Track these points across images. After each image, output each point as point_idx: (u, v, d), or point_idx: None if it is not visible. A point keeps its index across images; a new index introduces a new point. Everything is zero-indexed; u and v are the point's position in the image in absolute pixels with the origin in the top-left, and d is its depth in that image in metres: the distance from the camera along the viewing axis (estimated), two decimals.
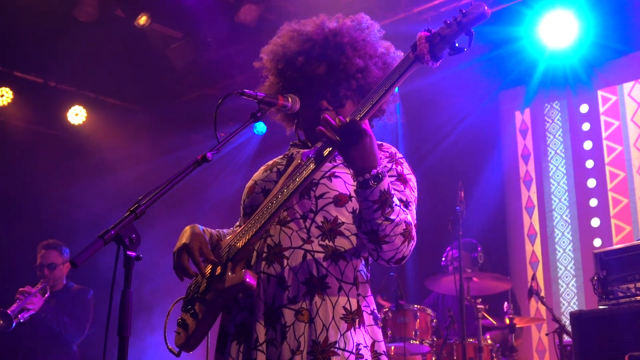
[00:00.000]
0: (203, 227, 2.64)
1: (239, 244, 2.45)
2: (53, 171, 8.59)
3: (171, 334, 2.61)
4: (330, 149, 2.30)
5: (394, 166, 2.53)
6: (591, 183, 7.56)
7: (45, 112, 8.91)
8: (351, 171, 2.49)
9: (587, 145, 7.66)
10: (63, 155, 8.84)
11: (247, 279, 2.35)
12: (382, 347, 2.46)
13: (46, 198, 8.49)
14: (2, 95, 8.47)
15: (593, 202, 7.50)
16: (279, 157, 2.75)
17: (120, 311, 2.11)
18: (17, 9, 7.25)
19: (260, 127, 8.87)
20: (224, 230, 2.79)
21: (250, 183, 2.68)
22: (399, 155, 2.59)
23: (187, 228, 2.59)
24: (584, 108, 7.76)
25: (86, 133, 9.04)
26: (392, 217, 2.26)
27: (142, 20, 7.64)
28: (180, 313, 2.63)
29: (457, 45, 2.20)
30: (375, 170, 2.22)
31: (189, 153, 8.50)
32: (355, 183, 2.40)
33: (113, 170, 8.79)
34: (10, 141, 8.70)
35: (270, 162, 2.73)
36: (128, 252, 2.12)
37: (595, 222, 7.44)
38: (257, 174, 2.70)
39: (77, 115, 8.90)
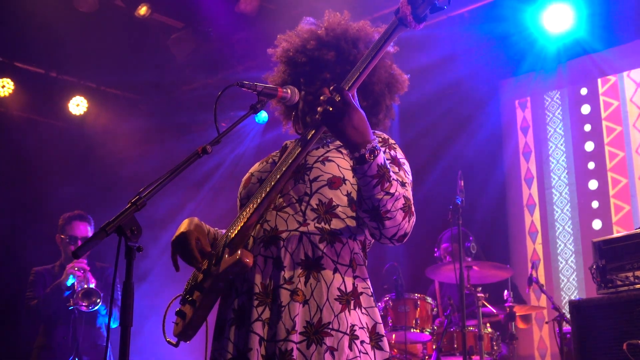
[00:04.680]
0: (202, 222, 2.66)
1: (235, 230, 2.48)
2: (54, 161, 8.61)
3: (169, 328, 2.64)
4: (314, 131, 2.36)
5: (387, 150, 2.55)
6: (591, 165, 7.57)
7: (46, 103, 8.93)
8: (345, 153, 2.54)
9: (587, 127, 7.68)
10: (64, 146, 8.86)
11: (244, 258, 2.37)
12: (382, 329, 2.48)
13: (47, 188, 8.52)
14: (3, 86, 8.48)
15: (593, 184, 7.51)
16: (275, 151, 2.78)
17: (122, 302, 2.14)
18: (18, 0, 7.26)
19: (262, 117, 8.87)
20: (220, 230, 2.81)
21: (246, 175, 2.72)
22: (392, 141, 2.61)
23: (186, 220, 2.61)
24: (584, 90, 7.77)
25: (87, 123, 9.06)
26: (392, 191, 2.28)
27: (143, 10, 7.65)
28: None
29: (437, 5, 2.27)
30: (370, 145, 2.24)
31: (189, 144, 8.53)
32: (350, 165, 2.45)
33: (114, 161, 8.81)
34: (11, 132, 8.71)
35: (266, 157, 2.77)
36: (129, 244, 2.14)
37: (595, 204, 7.46)
38: (254, 167, 2.74)
39: (78, 105, 8.92)
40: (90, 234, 6.30)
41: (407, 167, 2.56)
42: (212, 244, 2.61)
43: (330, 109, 2.22)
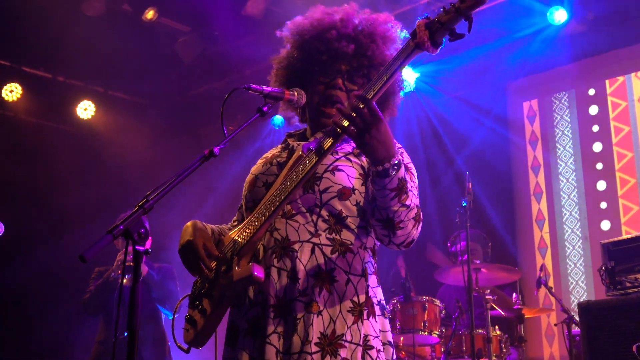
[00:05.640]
0: (204, 223, 2.63)
1: (244, 238, 2.46)
2: (62, 166, 8.63)
3: (179, 331, 2.63)
4: (332, 141, 2.29)
5: None
6: (599, 166, 7.54)
7: (54, 107, 8.95)
8: (354, 160, 2.51)
9: (595, 128, 7.65)
10: (72, 150, 8.88)
11: (255, 272, 2.35)
12: (387, 336, 2.48)
13: (55, 192, 8.54)
14: (12, 91, 8.51)
15: (601, 185, 7.48)
16: (276, 149, 2.74)
17: (129, 305, 2.13)
18: (25, 4, 7.28)
19: (278, 120, 8.92)
20: (223, 225, 2.78)
21: (250, 177, 2.66)
22: (399, 145, 2.59)
23: (189, 224, 2.58)
24: (591, 91, 7.74)
25: (95, 127, 9.08)
26: (408, 202, 2.29)
27: (150, 14, 7.67)
28: (187, 310, 2.64)
29: (456, 31, 2.17)
30: (394, 159, 2.21)
31: (196, 147, 8.53)
32: (359, 172, 2.46)
33: (121, 164, 8.82)
34: (20, 136, 8.74)
35: (269, 155, 2.72)
36: (137, 247, 2.13)
37: (603, 205, 7.43)
38: (257, 168, 2.68)
39: (86, 110, 8.95)
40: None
41: (413, 170, 2.55)
42: (217, 245, 2.58)
43: (358, 121, 2.16)
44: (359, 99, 2.17)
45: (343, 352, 2.31)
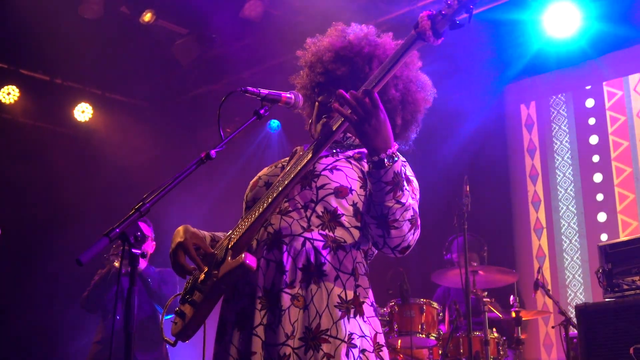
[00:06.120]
0: (196, 229, 2.65)
1: (239, 233, 2.48)
2: (60, 168, 8.63)
3: (168, 329, 2.64)
4: (325, 139, 2.36)
5: None
6: (597, 178, 7.54)
7: (51, 110, 8.96)
8: (355, 163, 2.55)
9: (593, 139, 7.64)
10: (70, 153, 8.88)
11: (247, 261, 2.35)
12: (382, 338, 2.48)
13: (53, 194, 8.53)
14: (9, 93, 8.51)
15: (599, 197, 7.48)
16: (286, 158, 2.79)
17: (125, 308, 2.13)
18: (22, 7, 7.27)
19: (275, 124, 8.91)
20: (217, 233, 2.80)
21: (254, 179, 2.72)
22: (403, 158, 2.60)
23: (180, 228, 2.60)
24: (590, 103, 7.74)
25: (93, 130, 9.08)
26: (403, 200, 2.29)
27: (147, 17, 7.66)
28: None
29: (457, 22, 2.29)
30: (390, 150, 2.26)
31: (194, 149, 8.53)
32: (358, 175, 2.49)
33: (119, 167, 8.82)
34: (17, 139, 8.74)
35: (276, 162, 2.78)
36: (133, 250, 2.13)
37: (601, 217, 7.42)
38: (262, 171, 2.74)
39: (83, 112, 8.96)
40: (148, 232, 6.42)
41: (415, 184, 2.56)
42: (212, 246, 2.61)
43: (359, 109, 2.24)
44: (364, 91, 2.26)
45: (325, 347, 2.31)
